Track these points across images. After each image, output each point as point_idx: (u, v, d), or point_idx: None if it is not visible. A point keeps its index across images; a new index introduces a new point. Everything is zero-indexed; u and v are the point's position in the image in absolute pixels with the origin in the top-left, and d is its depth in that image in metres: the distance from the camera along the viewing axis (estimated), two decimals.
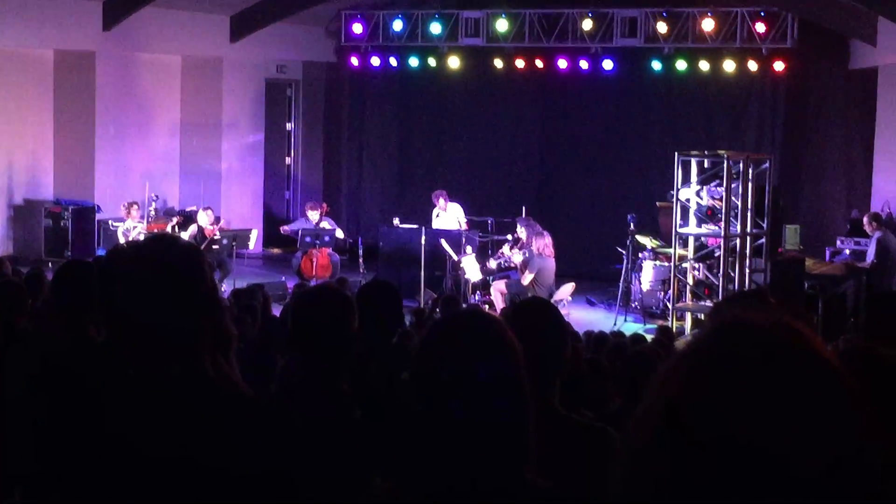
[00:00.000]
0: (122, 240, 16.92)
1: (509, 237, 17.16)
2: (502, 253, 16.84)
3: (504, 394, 2.17)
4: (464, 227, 18.04)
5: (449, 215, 18.26)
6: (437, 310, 12.80)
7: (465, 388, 2.14)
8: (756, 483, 1.34)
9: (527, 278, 15.49)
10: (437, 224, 18.19)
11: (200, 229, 17.25)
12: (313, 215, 18.39)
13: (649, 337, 12.08)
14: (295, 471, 2.54)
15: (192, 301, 2.57)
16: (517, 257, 16.16)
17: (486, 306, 15.60)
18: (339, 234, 18.51)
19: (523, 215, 17.49)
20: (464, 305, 13.94)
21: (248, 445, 2.44)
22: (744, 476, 1.34)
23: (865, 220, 16.22)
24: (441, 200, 18.34)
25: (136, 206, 17.35)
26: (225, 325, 2.75)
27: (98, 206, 19.16)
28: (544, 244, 15.68)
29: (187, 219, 18.43)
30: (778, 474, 1.34)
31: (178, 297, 2.55)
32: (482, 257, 17.22)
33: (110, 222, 18.19)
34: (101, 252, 18.04)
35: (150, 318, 2.53)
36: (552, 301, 13.08)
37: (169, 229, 17.21)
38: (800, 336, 1.43)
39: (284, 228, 19.01)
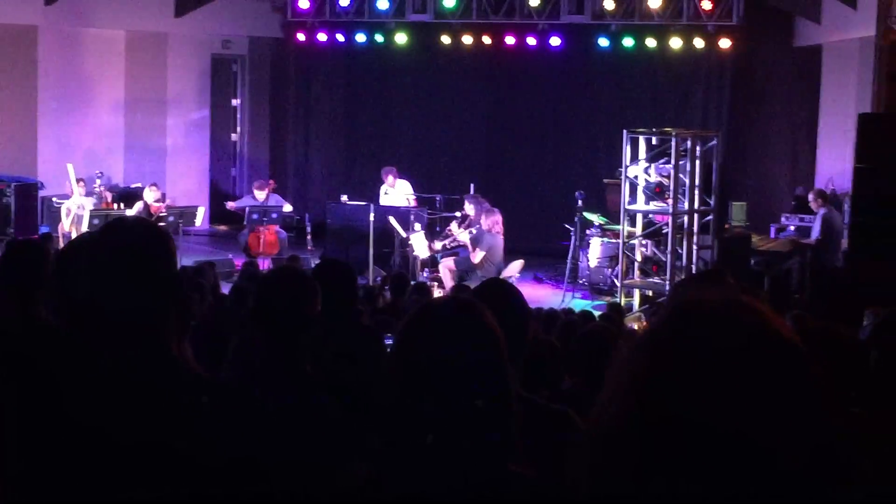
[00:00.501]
0: (65, 217, 16.73)
1: (457, 214, 17.15)
2: (450, 231, 16.81)
3: (490, 382, 2.10)
4: (412, 204, 17.99)
5: (397, 192, 18.19)
6: (387, 287, 12.77)
7: (449, 379, 2.07)
8: (727, 466, 1.34)
9: (478, 256, 15.49)
10: (385, 201, 18.12)
11: (146, 206, 17.07)
12: (260, 195, 18.27)
13: (597, 314, 12.13)
14: (265, 455, 2.51)
15: (156, 282, 2.53)
16: (463, 236, 16.16)
17: (435, 283, 15.62)
18: (287, 207, 18.43)
19: (471, 192, 17.49)
20: (412, 283, 13.92)
21: (218, 429, 2.42)
22: (714, 459, 1.34)
23: (810, 196, 16.36)
24: (390, 177, 18.27)
25: (81, 183, 17.15)
26: (187, 306, 2.71)
27: (41, 182, 18.91)
28: (494, 221, 15.69)
29: (126, 195, 18.26)
30: (747, 456, 1.34)
31: (141, 278, 2.51)
32: (430, 234, 17.19)
33: (54, 199, 17.94)
34: (44, 229, 17.82)
35: (112, 301, 2.49)
36: (501, 278, 13.08)
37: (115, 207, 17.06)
38: (760, 315, 1.44)
39: (230, 204, 18.82)
